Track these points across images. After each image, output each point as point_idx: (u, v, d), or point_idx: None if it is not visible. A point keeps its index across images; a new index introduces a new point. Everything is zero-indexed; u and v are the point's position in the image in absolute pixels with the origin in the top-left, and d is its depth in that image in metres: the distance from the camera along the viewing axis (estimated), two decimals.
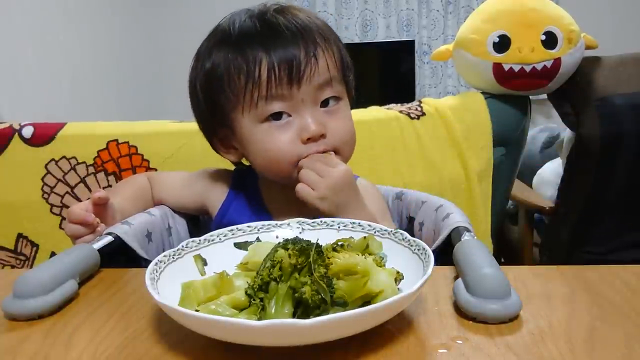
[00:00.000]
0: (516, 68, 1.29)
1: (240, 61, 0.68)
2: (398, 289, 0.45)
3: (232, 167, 0.83)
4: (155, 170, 1.20)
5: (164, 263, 0.49)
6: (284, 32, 0.68)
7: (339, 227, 0.58)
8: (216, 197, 0.79)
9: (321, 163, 0.68)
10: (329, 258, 0.44)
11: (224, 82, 0.70)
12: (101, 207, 0.71)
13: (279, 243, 0.47)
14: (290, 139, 0.69)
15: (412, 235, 0.59)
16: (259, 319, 0.42)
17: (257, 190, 0.78)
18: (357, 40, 3.30)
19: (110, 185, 1.20)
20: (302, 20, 0.71)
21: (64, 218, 1.20)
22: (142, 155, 1.20)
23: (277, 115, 0.69)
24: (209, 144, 0.79)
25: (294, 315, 0.43)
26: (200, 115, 0.76)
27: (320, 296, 0.42)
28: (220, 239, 0.56)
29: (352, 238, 0.52)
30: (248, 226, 0.58)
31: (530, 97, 1.37)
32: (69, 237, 0.69)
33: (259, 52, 0.67)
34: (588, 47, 1.38)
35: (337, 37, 0.75)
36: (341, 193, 0.68)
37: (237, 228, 0.58)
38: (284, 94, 0.68)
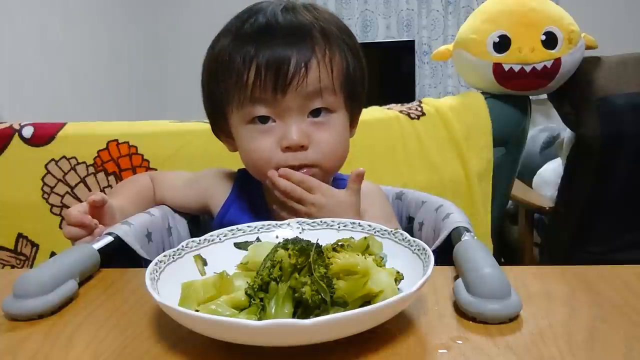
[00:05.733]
0: (516, 68, 1.29)
1: (234, 57, 0.68)
2: (398, 289, 0.45)
3: (235, 168, 0.83)
4: (155, 170, 1.20)
5: (164, 263, 0.49)
6: (280, 32, 0.67)
7: (339, 227, 0.58)
8: (218, 196, 0.79)
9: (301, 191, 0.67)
10: (329, 258, 0.44)
11: (219, 74, 0.70)
12: (99, 209, 0.70)
13: (279, 243, 0.46)
14: (271, 145, 0.68)
15: (412, 235, 0.59)
16: (259, 319, 0.42)
17: (260, 191, 0.78)
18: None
19: (110, 186, 1.20)
20: (306, 19, 0.68)
21: (64, 218, 1.20)
22: (142, 155, 1.20)
23: (263, 119, 0.68)
24: (211, 128, 0.79)
25: (294, 315, 0.42)
26: (203, 98, 0.76)
27: (320, 296, 0.42)
28: (220, 239, 0.56)
29: (352, 238, 0.52)
30: (248, 226, 0.58)
31: (530, 97, 1.37)
32: (67, 239, 0.69)
33: (251, 50, 0.66)
34: (588, 47, 1.38)
35: (349, 45, 0.71)
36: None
37: (237, 228, 0.58)
38: (268, 99, 0.67)
